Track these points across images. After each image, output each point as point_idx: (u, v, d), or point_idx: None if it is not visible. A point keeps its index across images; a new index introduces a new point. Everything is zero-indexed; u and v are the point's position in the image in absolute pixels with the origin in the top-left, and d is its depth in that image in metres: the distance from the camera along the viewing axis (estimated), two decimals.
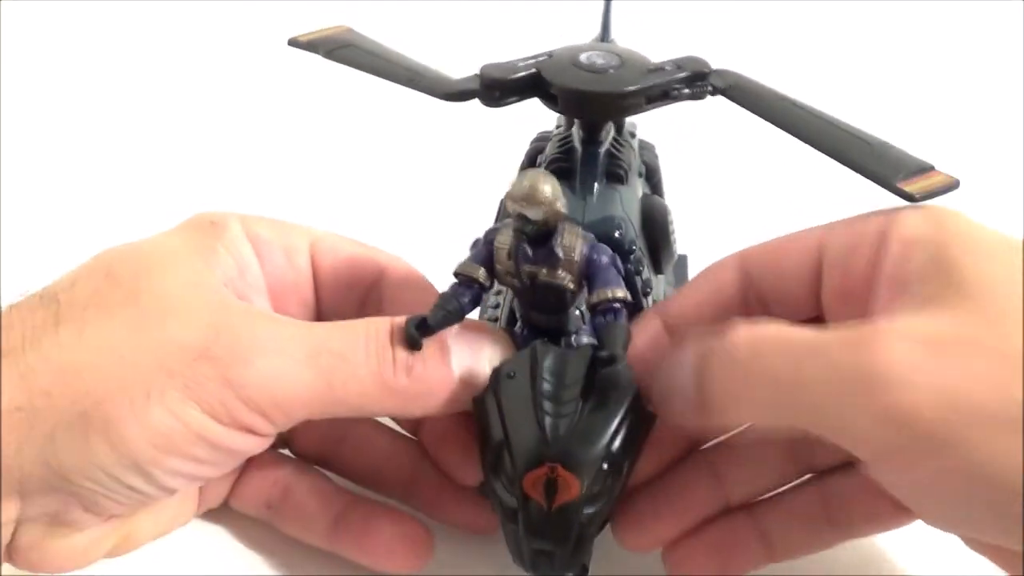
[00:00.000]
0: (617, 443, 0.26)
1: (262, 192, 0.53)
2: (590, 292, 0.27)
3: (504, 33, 0.67)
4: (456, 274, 0.29)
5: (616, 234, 0.31)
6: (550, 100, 0.30)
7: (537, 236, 0.27)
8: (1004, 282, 0.23)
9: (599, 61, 0.30)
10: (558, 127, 0.36)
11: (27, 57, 0.67)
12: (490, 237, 0.28)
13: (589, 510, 0.26)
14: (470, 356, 0.28)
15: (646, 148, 0.37)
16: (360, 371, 0.27)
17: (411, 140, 0.59)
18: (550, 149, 0.34)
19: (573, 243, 0.28)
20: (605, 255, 0.28)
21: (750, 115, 0.30)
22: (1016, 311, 0.22)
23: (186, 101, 0.57)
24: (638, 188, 0.34)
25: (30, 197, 0.53)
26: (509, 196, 0.26)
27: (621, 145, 0.33)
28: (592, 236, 0.28)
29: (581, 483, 0.25)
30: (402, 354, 0.27)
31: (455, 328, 0.28)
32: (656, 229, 0.33)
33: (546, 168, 0.32)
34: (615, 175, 0.32)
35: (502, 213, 0.35)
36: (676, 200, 0.37)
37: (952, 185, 0.27)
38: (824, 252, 0.28)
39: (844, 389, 0.22)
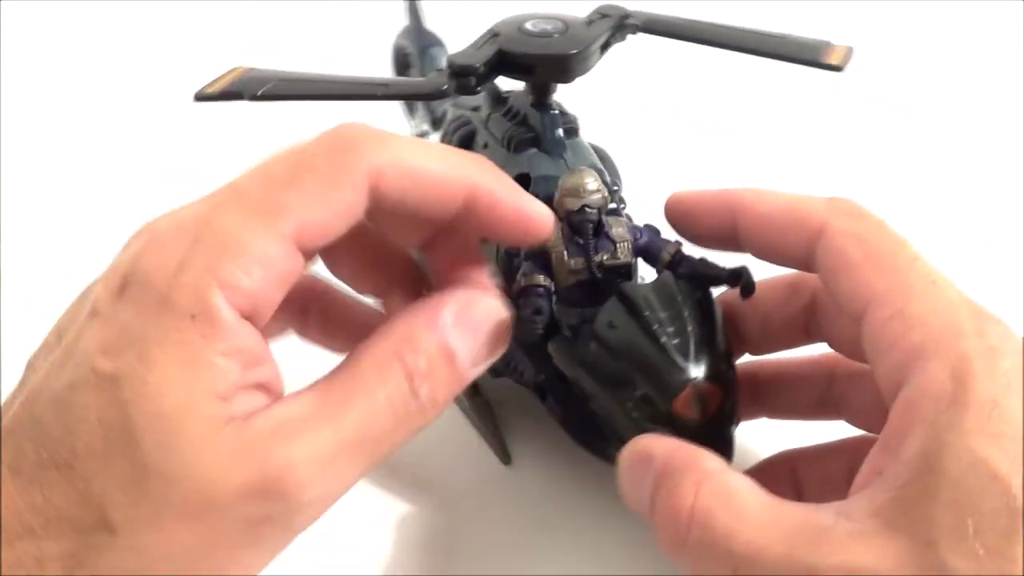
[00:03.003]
0: (725, 342, 0.29)
1: None
2: (656, 258, 0.31)
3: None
4: (525, 287, 0.30)
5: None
6: (521, 72, 0.32)
7: (595, 226, 0.30)
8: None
9: (547, 27, 0.33)
10: (474, 108, 0.38)
11: (27, 57, 0.67)
12: (544, 248, 0.30)
13: (729, 408, 0.29)
14: (475, 345, 0.27)
15: None
16: (392, 440, 0.26)
17: None
18: (501, 127, 0.35)
19: (616, 225, 0.31)
20: (640, 227, 0.32)
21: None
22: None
23: (186, 101, 0.49)
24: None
25: (30, 197, 0.52)
26: (569, 194, 0.30)
27: None
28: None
29: (723, 389, 0.28)
30: (426, 394, 0.26)
31: (451, 318, 0.27)
32: (610, 170, 0.37)
33: (517, 142, 0.34)
34: (572, 130, 0.35)
35: None
36: None
37: (849, 50, 0.34)
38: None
39: None
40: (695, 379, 0.28)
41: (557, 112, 0.34)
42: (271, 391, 0.25)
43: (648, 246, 0.31)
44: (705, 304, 0.29)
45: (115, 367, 0.23)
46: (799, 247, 0.29)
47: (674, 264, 0.31)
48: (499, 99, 0.36)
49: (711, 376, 0.28)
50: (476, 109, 0.38)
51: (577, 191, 0.30)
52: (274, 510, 0.24)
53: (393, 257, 0.31)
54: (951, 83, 0.62)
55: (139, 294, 0.24)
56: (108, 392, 0.23)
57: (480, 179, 0.27)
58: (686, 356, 0.28)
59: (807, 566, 0.23)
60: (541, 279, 0.30)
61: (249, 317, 0.24)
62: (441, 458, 0.38)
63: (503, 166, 0.34)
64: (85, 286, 0.27)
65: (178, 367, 0.23)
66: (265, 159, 0.26)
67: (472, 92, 0.32)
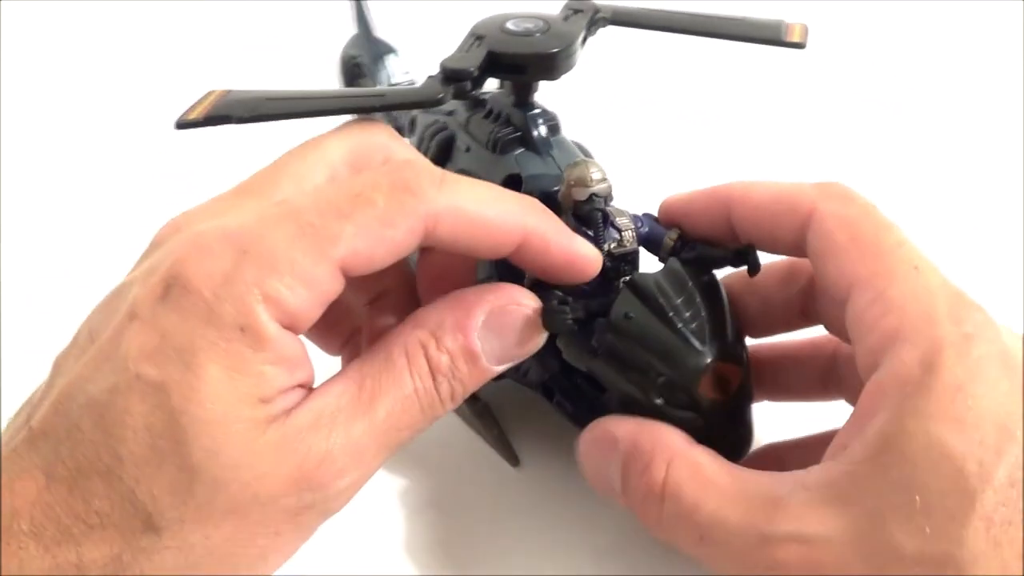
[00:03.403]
0: (735, 323, 0.31)
1: None
2: (658, 245, 0.32)
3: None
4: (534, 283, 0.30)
5: None
6: (513, 72, 0.33)
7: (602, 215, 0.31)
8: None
9: (529, 26, 0.33)
10: (449, 113, 0.38)
11: (27, 57, 0.67)
12: None
13: (748, 386, 0.30)
14: (502, 345, 0.28)
15: None
16: (415, 428, 0.27)
17: None
18: (484, 129, 0.35)
19: (619, 215, 0.31)
20: (639, 216, 0.32)
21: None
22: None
23: (187, 101, 0.46)
24: None
25: (30, 197, 0.52)
26: (577, 184, 0.30)
27: None
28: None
29: (741, 368, 0.30)
30: (445, 390, 0.27)
31: (482, 318, 0.28)
32: None
33: (503, 143, 0.34)
34: (554, 127, 0.35)
35: None
36: None
37: (805, 27, 0.36)
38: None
39: (742, 571, 0.26)
40: (715, 361, 0.29)
41: (540, 110, 0.35)
42: (306, 385, 0.26)
43: (650, 234, 0.32)
44: (713, 287, 0.30)
45: (161, 374, 0.23)
46: (791, 233, 0.29)
47: (677, 250, 0.32)
48: (478, 101, 0.36)
49: (729, 356, 0.29)
50: (451, 113, 0.38)
51: (584, 181, 0.30)
52: (313, 499, 0.25)
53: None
54: (951, 83, 0.62)
55: (183, 300, 0.24)
56: (155, 399, 0.23)
57: (533, 224, 0.27)
58: (703, 339, 0.29)
59: (762, 534, 0.25)
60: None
61: (288, 328, 0.25)
62: (449, 463, 0.38)
63: (490, 168, 0.34)
64: (117, 283, 0.26)
65: (227, 376, 0.23)
66: (326, 184, 0.26)
67: (467, 96, 0.32)
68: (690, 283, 0.30)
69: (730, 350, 0.29)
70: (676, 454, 0.27)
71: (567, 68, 0.33)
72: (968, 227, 0.49)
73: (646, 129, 0.58)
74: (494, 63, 0.32)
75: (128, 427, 0.23)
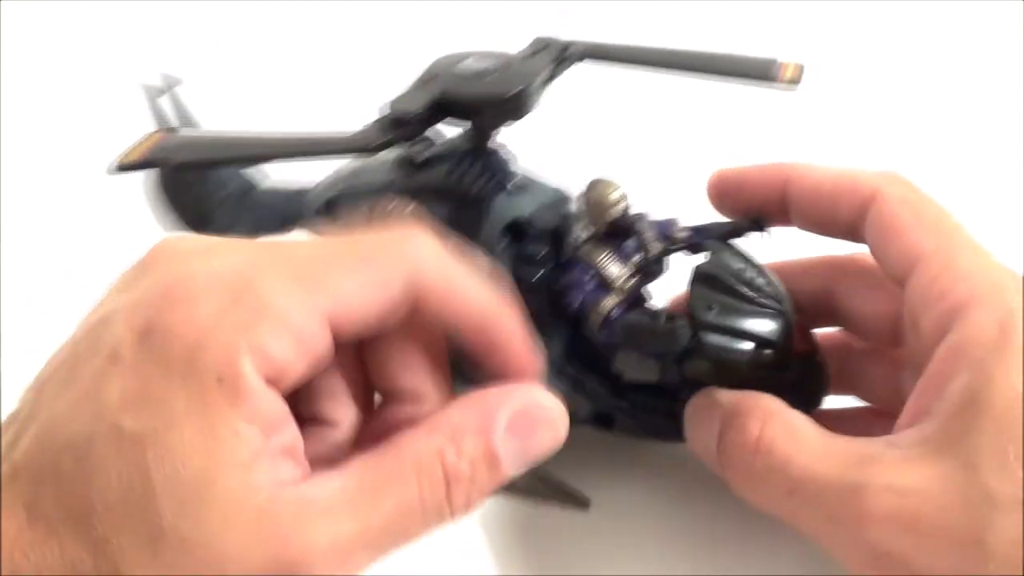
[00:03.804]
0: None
1: None
2: (670, 239, 0.32)
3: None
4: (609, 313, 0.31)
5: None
6: (465, 115, 0.30)
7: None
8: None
9: (483, 65, 0.31)
10: (415, 160, 0.35)
11: (27, 57, 0.66)
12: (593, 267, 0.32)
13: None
14: (525, 448, 0.26)
15: None
16: (413, 536, 0.25)
17: None
18: (443, 175, 0.32)
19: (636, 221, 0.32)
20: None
21: None
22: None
23: (186, 101, 0.47)
24: None
25: (30, 197, 0.52)
26: (607, 207, 0.31)
27: None
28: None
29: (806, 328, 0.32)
30: (460, 498, 0.25)
31: (504, 421, 0.26)
32: None
33: (485, 193, 0.32)
34: (512, 162, 0.33)
35: None
36: None
37: (801, 67, 0.33)
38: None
39: (831, 524, 0.26)
40: (792, 315, 0.30)
41: (501, 147, 0.33)
42: (295, 456, 0.24)
43: (659, 232, 0.32)
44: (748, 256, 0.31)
45: (138, 427, 0.22)
46: (850, 214, 0.31)
47: (690, 236, 0.32)
48: (426, 162, 0.33)
49: (798, 308, 0.31)
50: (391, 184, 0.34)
51: (609, 199, 0.31)
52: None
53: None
54: (951, 83, 0.61)
55: (164, 346, 0.23)
56: (129, 451, 0.22)
57: (503, 323, 0.27)
58: (780, 300, 0.30)
59: (856, 484, 0.25)
60: (613, 300, 0.31)
61: (272, 383, 0.23)
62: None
63: (478, 221, 0.32)
64: (104, 295, 0.25)
65: (201, 434, 0.22)
66: (322, 236, 0.26)
67: (410, 138, 0.30)
68: (739, 256, 0.30)
69: (793, 304, 0.30)
70: (771, 414, 0.28)
71: (526, 110, 0.31)
72: (968, 227, 0.48)
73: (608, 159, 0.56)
74: (444, 105, 0.30)
75: (104, 476, 0.22)
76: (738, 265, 0.30)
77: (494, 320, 0.27)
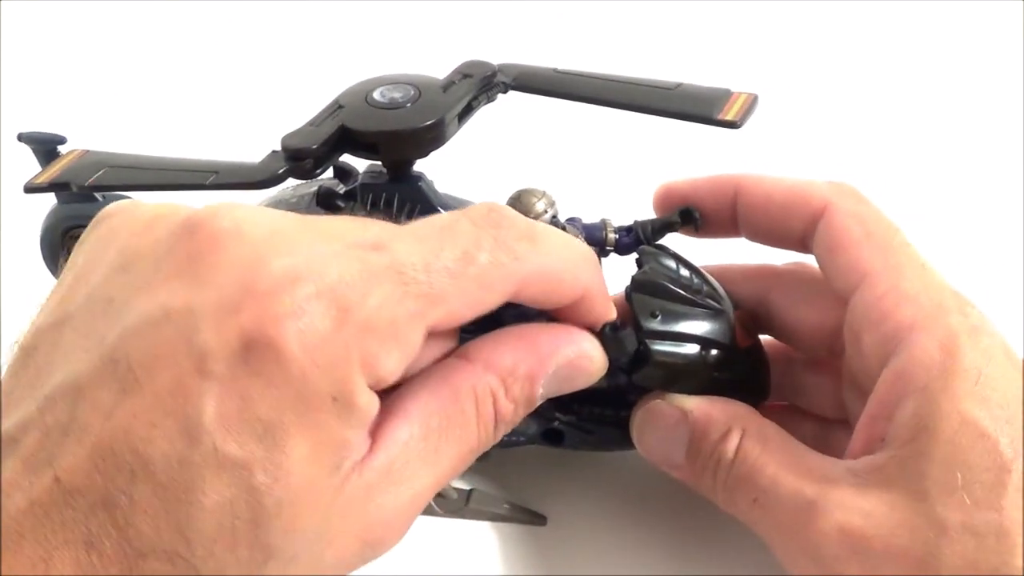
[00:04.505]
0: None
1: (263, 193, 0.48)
2: (601, 241, 0.32)
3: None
4: None
5: None
6: (366, 150, 0.29)
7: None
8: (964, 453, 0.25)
9: (396, 95, 0.29)
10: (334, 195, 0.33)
11: (27, 57, 0.67)
12: None
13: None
14: (558, 386, 0.27)
15: None
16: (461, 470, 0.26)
17: None
18: (364, 209, 0.31)
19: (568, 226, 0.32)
20: (572, 222, 0.32)
21: None
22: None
23: (188, 102, 0.49)
24: None
25: (29, 197, 0.49)
26: (531, 211, 0.30)
27: None
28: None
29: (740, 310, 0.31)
30: (499, 436, 0.26)
31: (551, 372, 0.26)
32: None
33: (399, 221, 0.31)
34: (430, 186, 0.32)
35: None
36: None
37: (753, 99, 0.30)
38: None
39: (786, 536, 0.27)
40: (731, 312, 0.30)
41: (420, 176, 0.31)
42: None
43: (589, 235, 0.32)
44: (680, 255, 0.31)
45: (244, 451, 0.20)
46: (799, 226, 0.30)
47: (620, 237, 0.32)
48: (348, 194, 0.31)
49: (736, 303, 0.31)
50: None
51: (535, 208, 0.30)
52: (373, 555, 0.24)
53: None
54: (951, 83, 0.62)
55: (271, 365, 0.21)
56: (235, 476, 0.20)
57: (590, 284, 0.26)
58: (718, 299, 0.30)
59: (813, 500, 0.26)
60: None
61: (374, 387, 0.22)
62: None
63: None
64: (140, 267, 0.22)
65: (312, 449, 0.21)
66: (427, 228, 0.24)
67: (309, 176, 0.29)
68: (673, 258, 0.31)
69: (731, 297, 0.31)
70: (749, 424, 0.29)
71: (434, 146, 0.29)
72: (968, 227, 0.49)
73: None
74: (345, 139, 0.29)
75: (200, 506, 0.20)
76: (673, 267, 0.30)
77: (581, 290, 0.26)
